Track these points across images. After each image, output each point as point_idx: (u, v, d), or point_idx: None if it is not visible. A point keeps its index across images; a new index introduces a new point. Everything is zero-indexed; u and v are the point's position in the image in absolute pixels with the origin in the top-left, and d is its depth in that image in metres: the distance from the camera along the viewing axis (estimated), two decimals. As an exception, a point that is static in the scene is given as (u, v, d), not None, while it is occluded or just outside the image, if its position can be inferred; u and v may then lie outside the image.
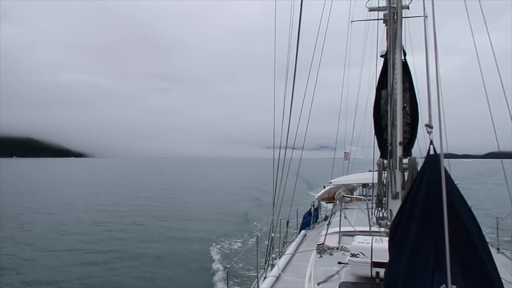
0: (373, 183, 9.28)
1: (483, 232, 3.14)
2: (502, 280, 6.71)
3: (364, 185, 17.28)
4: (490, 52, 8.74)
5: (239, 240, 21.05)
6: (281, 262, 8.06)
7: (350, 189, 16.80)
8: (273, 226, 8.34)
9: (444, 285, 2.54)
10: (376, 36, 9.92)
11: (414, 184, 3.16)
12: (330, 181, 14.02)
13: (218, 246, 19.60)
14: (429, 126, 3.00)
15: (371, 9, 8.53)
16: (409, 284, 2.97)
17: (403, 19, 7.21)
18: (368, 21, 11.73)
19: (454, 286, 2.54)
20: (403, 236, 3.12)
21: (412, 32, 10.52)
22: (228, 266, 6.81)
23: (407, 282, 2.98)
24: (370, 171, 12.67)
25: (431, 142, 2.92)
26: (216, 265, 16.19)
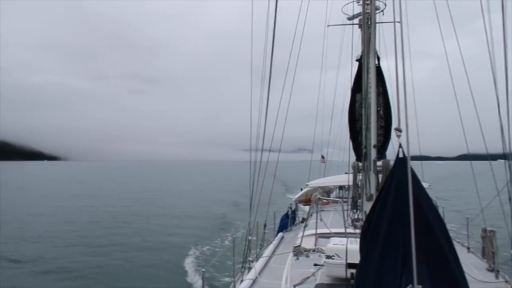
0: (348, 185, 9.41)
1: (450, 232, 3.23)
2: (472, 278, 6.93)
3: (341, 187, 17.50)
4: (461, 56, 9.00)
5: (217, 242, 21.04)
6: (258, 265, 8.05)
7: (327, 191, 16.99)
8: (250, 229, 8.33)
9: (410, 285, 2.60)
10: (353, 40, 10.11)
11: (384, 186, 3.22)
12: (307, 183, 14.14)
13: (196, 248, 19.61)
14: (398, 129, 3.07)
15: (349, 18, 8.65)
16: (378, 284, 3.02)
17: (378, 24, 7.37)
18: (344, 25, 11.93)
19: (420, 286, 2.59)
20: (373, 237, 3.18)
21: (386, 37, 10.76)
22: (203, 269, 6.76)
23: (376, 282, 3.03)
24: (346, 173, 12.85)
25: (400, 145, 2.98)
26: (192, 268, 16.13)
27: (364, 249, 3.29)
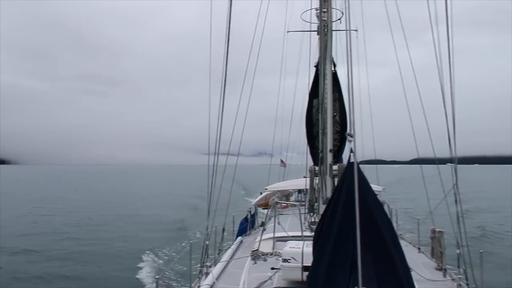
0: (306, 189, 9.55)
1: (402, 233, 3.36)
2: (421, 277, 7.22)
3: (300, 191, 17.74)
4: (414, 65, 9.43)
5: (174, 248, 20.64)
6: (215, 270, 7.96)
7: (286, 194, 17.16)
8: (207, 233, 8.23)
9: (356, 287, 2.66)
10: (311, 46, 10.29)
11: (336, 190, 3.28)
12: (266, 187, 14.21)
13: (152, 255, 19.12)
14: (349, 135, 3.13)
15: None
16: (328, 285, 3.07)
17: (336, 32, 7.56)
18: (303, 32, 12.16)
19: None
20: (324, 240, 3.23)
21: (343, 45, 11.04)
22: (157, 276, 6.60)
23: (326, 284, 3.08)
24: (304, 177, 13.02)
25: (351, 150, 3.05)
26: (147, 274, 15.69)
27: (316, 251, 3.35)
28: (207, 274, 7.79)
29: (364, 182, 3.00)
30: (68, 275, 16.18)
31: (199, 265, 8.51)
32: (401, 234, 11.75)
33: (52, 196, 53.55)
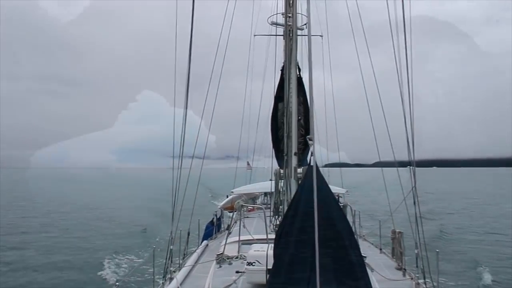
0: (272, 192, 9.61)
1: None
2: (382, 277, 7.41)
3: (266, 194, 17.84)
4: (379, 71, 9.71)
5: (137, 253, 20.16)
6: (180, 275, 7.85)
7: (253, 197, 17.19)
8: (172, 238, 8.10)
9: None
10: (277, 50, 10.42)
11: (296, 193, 3.33)
12: (232, 190, 14.19)
13: (114, 260, 18.54)
14: (310, 139, 3.18)
15: (273, 23, 8.89)
16: (288, 286, 3.10)
17: (301, 36, 7.69)
18: (269, 36, 12.27)
19: None
20: (285, 242, 3.26)
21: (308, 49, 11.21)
22: (117, 283, 6.43)
23: (286, 285, 3.11)
24: (271, 180, 13.12)
25: (312, 154, 3.09)
26: (109, 280, 15.25)
27: (276, 254, 3.38)
28: (171, 279, 7.66)
29: (323, 185, 3.06)
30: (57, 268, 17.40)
31: (163, 270, 8.37)
32: (364, 236, 12.06)
33: (23, 198, 52.44)
